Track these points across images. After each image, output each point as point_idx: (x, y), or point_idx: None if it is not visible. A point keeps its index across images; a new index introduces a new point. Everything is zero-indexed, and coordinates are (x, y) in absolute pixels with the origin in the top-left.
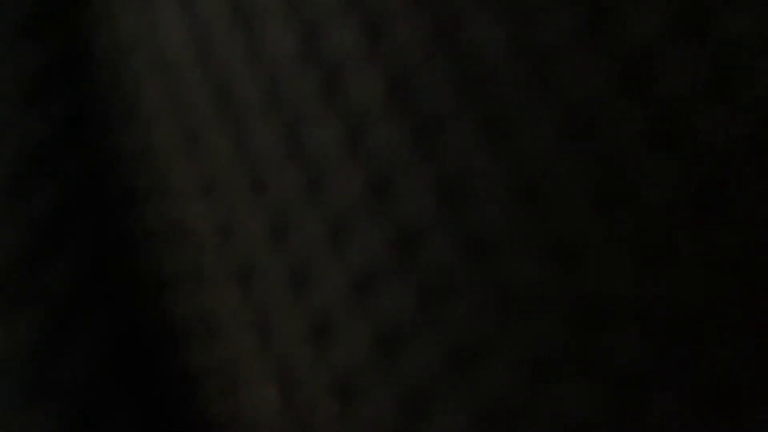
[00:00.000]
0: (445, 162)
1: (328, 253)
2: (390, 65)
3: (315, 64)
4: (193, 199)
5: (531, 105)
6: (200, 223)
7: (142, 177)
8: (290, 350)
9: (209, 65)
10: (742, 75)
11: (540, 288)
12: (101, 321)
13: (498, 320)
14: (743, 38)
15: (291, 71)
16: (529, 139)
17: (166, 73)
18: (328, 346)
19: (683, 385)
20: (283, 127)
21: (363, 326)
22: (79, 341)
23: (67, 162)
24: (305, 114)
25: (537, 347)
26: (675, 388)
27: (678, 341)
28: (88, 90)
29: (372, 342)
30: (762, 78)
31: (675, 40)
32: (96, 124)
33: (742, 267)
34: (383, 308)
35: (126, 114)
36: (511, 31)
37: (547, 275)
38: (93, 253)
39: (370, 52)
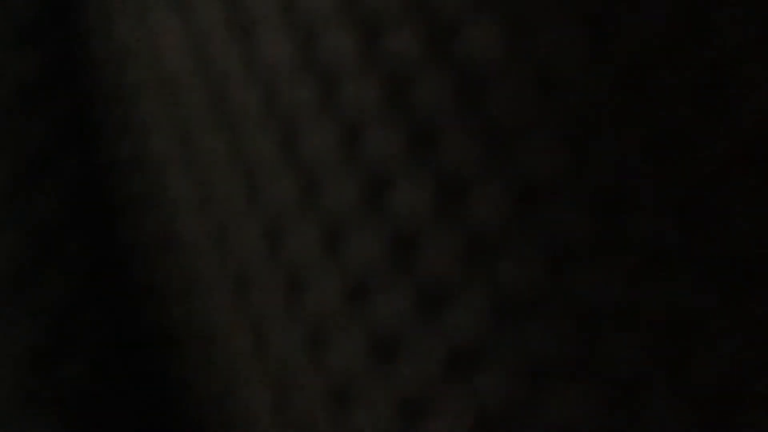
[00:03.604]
0: (441, 168)
1: (324, 259)
2: (386, 72)
3: (311, 71)
4: (190, 207)
5: (527, 110)
6: (196, 230)
7: (138, 184)
8: (286, 356)
9: (206, 73)
10: (739, 80)
11: (537, 292)
12: (98, 327)
13: (495, 325)
14: (741, 44)
15: (287, 79)
16: (525, 144)
17: (162, 80)
18: (324, 351)
19: (681, 386)
20: (279, 134)
21: (359, 332)
22: (76, 347)
23: (65, 170)
24: (301, 121)
25: (534, 351)
26: (673, 389)
27: (675, 343)
28: (86, 98)
29: (368, 347)
30: (759, 83)
31: (672, 45)
32: (93, 132)
33: (738, 269)
34: (379, 314)
35: (123, 122)
36: (508, 37)
37: (544, 279)
38: (90, 260)
39: (366, 59)
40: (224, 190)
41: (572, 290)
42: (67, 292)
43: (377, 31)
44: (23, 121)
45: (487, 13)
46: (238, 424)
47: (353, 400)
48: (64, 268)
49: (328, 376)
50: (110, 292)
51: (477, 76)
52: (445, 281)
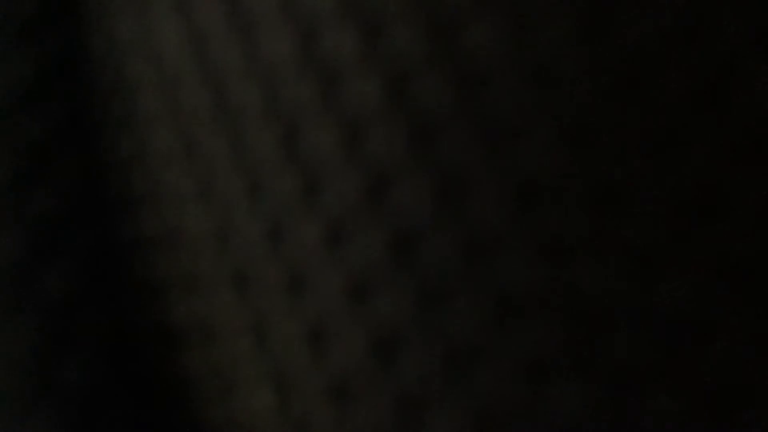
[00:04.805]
0: (442, 166)
1: (325, 257)
2: (387, 69)
3: (312, 68)
4: (190, 204)
5: (528, 108)
6: (196, 227)
7: (138, 181)
8: (287, 354)
9: (206, 69)
10: (739, 78)
11: (537, 290)
12: (98, 325)
13: (495, 322)
14: (741, 41)
15: (288, 75)
16: (526, 142)
17: (162, 77)
18: (325, 349)
19: (681, 386)
20: (280, 131)
21: (360, 330)
22: (76, 345)
23: (64, 167)
24: (302, 118)
25: (534, 349)
26: (673, 388)
27: (676, 342)
28: (85, 95)
29: (369, 345)
30: (760, 81)
31: (673, 43)
32: (92, 129)
33: (740, 268)
34: (380, 312)
35: (122, 118)
36: (509, 34)
37: (544, 277)
38: (90, 258)
39: (368, 55)
40: (225, 187)
41: (573, 289)
42: (66, 290)
43: (378, 28)
44: (22, 118)
45: (489, 11)
46: (238, 422)
47: (354, 398)
48: (64, 266)
49: (329, 374)
50: (110, 290)
51: (479, 74)
52: (446, 279)
